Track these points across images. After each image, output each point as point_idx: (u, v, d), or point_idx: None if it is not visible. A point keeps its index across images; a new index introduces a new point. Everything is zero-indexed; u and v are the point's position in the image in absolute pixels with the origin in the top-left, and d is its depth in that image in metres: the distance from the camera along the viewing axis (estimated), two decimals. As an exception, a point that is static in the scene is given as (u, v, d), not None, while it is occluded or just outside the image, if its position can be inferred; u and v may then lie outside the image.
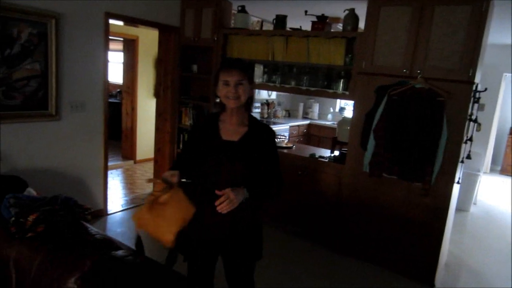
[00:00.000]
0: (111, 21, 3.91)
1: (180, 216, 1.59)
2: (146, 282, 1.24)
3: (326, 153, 4.04)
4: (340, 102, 6.78)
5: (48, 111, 3.46)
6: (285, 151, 4.02)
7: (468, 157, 3.22)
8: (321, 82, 3.76)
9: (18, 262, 1.48)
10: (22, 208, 1.60)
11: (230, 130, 1.87)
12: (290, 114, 6.99)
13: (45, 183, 3.48)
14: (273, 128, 2.07)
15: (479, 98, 3.10)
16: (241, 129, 1.87)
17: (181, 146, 4.83)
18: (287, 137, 5.90)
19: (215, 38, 4.25)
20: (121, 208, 4.36)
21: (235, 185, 1.74)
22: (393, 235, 3.36)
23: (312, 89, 3.73)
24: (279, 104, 6.76)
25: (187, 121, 4.74)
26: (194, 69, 4.66)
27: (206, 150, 1.85)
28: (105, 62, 3.86)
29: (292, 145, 4.28)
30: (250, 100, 1.88)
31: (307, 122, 6.54)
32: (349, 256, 3.60)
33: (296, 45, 3.80)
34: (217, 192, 1.67)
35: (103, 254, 1.40)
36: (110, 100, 8.11)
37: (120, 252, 1.42)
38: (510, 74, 5.64)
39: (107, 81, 3.93)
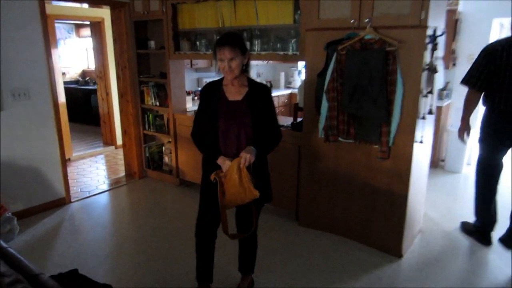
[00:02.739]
0: (66, 4, 3.67)
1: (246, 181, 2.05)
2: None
3: (290, 121, 3.78)
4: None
5: (-15, 101, 3.30)
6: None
7: (430, 112, 2.91)
8: (273, 44, 3.46)
9: None
10: None
11: (233, 91, 2.19)
12: (272, 85, 6.67)
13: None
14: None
15: (436, 44, 2.75)
16: (242, 89, 2.18)
17: (147, 127, 4.64)
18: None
19: (164, 10, 3.97)
20: (89, 195, 4.24)
21: (244, 136, 2.13)
22: (357, 203, 3.12)
23: (263, 53, 3.44)
24: (258, 76, 6.46)
25: (149, 101, 4.52)
26: (151, 45, 4.41)
27: (217, 111, 2.16)
28: (47, 45, 3.65)
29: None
30: (247, 65, 2.19)
31: (288, 91, 6.24)
32: (314, 228, 3.39)
33: (244, 8, 3.49)
34: (237, 159, 2.07)
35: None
36: (89, 87, 8.06)
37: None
38: (500, 19, 5.16)
39: (52, 66, 3.73)
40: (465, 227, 3.44)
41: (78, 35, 8.85)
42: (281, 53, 3.32)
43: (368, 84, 2.73)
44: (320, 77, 3.04)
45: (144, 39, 4.46)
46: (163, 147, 4.64)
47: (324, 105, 3.00)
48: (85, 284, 1.91)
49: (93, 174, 5.02)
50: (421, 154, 2.99)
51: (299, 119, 3.64)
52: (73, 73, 8.70)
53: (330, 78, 2.93)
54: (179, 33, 4.05)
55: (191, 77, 5.35)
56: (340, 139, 3.00)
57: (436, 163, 5.17)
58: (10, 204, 3.53)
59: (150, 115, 4.56)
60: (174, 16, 3.96)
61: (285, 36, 3.42)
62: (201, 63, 4.97)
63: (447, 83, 5.30)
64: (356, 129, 2.92)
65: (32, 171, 3.71)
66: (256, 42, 3.51)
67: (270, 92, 2.25)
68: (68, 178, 4.01)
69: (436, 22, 2.78)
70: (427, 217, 3.67)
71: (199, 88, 5.23)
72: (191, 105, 4.51)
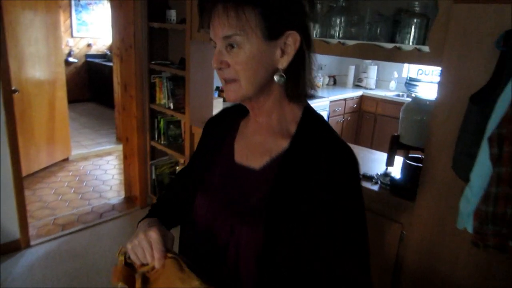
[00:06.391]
0: None
1: None
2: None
3: (380, 162, 2.20)
4: (408, 68, 4.60)
5: None
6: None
7: None
8: (371, 28, 1.86)
9: None
10: None
11: (254, 143, 0.85)
12: (336, 82, 5.02)
13: None
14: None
15: None
16: (274, 143, 0.81)
17: (156, 137, 3.22)
18: (327, 118, 4.03)
19: (187, -42, 2.47)
20: (61, 233, 2.89)
21: (234, 255, 0.78)
22: None
23: (351, 42, 1.81)
24: (320, 68, 4.83)
25: (162, 100, 3.09)
26: (171, 16, 2.94)
27: (199, 182, 0.88)
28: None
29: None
30: (297, 74, 0.78)
31: (358, 93, 4.56)
32: None
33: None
34: None
35: None
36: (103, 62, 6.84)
37: None
38: None
39: (3, 38, 2.37)
40: None
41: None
42: (388, 46, 1.69)
43: None
44: (477, 105, 1.43)
45: (162, 7, 2.99)
46: (177, 168, 3.22)
47: (484, 167, 1.38)
48: None
49: (85, 188, 3.71)
50: None
51: (395, 162, 2.06)
52: (101, 45, 7.48)
53: (509, 113, 1.31)
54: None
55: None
56: (512, 245, 1.39)
57: None
58: None
59: (162, 120, 3.14)
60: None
61: (398, 13, 1.78)
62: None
63: None
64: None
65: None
66: (338, 21, 1.90)
67: (352, 171, 0.79)
68: (51, 193, 2.73)
69: None
70: None
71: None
72: (220, 111, 3.03)
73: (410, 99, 2.25)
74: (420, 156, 2.10)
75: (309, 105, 0.85)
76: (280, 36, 0.74)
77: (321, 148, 0.78)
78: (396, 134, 2.08)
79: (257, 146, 0.84)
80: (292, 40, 0.75)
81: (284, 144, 0.80)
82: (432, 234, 1.65)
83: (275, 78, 0.77)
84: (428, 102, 1.94)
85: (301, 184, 0.76)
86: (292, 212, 0.75)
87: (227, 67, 0.75)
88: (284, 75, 0.77)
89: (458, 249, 1.57)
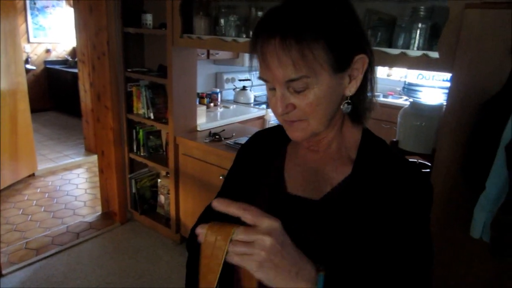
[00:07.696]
0: None
1: None
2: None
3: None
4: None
5: None
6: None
7: None
8: (372, 32, 1.80)
9: None
10: None
11: (308, 172, 0.76)
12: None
13: None
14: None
15: None
16: (333, 169, 0.73)
17: (135, 149, 3.04)
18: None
19: (167, -41, 2.32)
20: (35, 258, 2.64)
21: None
22: None
23: None
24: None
25: (140, 110, 2.91)
26: (146, 21, 2.77)
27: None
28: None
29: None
30: (360, 102, 0.72)
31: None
32: None
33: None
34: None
35: None
36: (64, 69, 6.53)
37: None
38: None
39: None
40: None
41: (69, 3, 7.20)
42: (397, 51, 1.63)
43: None
44: (490, 112, 1.41)
45: (137, 11, 2.82)
46: (159, 181, 3.05)
47: (500, 176, 1.36)
48: None
49: (56, 205, 3.45)
50: None
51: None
52: (61, 50, 7.08)
53: (527, 120, 1.29)
54: (193, 3, 2.40)
55: (207, 71, 3.72)
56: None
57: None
58: None
59: (141, 131, 2.96)
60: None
61: (393, 19, 1.74)
62: (223, 52, 3.34)
63: None
64: None
65: None
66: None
67: (426, 199, 0.70)
68: (18, 213, 2.51)
69: None
70: None
71: (218, 90, 3.59)
72: (204, 120, 2.88)
73: (385, 100, 2.23)
74: (416, 160, 2.10)
75: (367, 127, 0.76)
76: (350, 64, 0.66)
77: (389, 172, 0.69)
78: (394, 139, 2.05)
79: (314, 175, 0.75)
80: (360, 64, 0.67)
81: (346, 170, 0.72)
82: (440, 241, 1.62)
83: (343, 107, 0.70)
84: (426, 107, 1.92)
85: (369, 212, 0.67)
86: (362, 244, 0.67)
87: (293, 110, 0.66)
88: (350, 102, 0.70)
89: (469, 258, 1.55)
